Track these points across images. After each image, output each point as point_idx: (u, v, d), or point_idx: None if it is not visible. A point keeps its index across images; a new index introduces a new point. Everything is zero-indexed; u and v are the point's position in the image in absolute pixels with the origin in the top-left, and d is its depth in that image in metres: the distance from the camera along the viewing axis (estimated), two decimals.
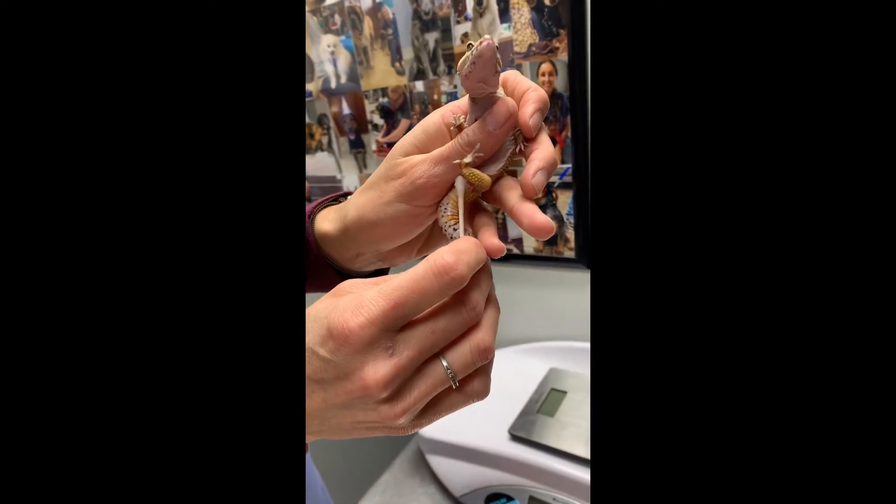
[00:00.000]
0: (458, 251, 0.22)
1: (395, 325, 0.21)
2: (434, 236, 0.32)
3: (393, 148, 0.27)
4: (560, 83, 0.64)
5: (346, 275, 0.34)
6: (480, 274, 0.24)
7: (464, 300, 0.23)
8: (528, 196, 0.25)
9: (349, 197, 0.31)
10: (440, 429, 0.65)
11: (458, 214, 0.26)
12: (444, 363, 0.23)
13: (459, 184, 0.25)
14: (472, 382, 0.24)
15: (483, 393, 0.24)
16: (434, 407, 0.24)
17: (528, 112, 0.25)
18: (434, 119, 0.27)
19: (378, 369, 0.21)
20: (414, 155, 0.27)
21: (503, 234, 0.77)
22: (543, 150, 0.25)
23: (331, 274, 0.33)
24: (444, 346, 0.23)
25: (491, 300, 0.25)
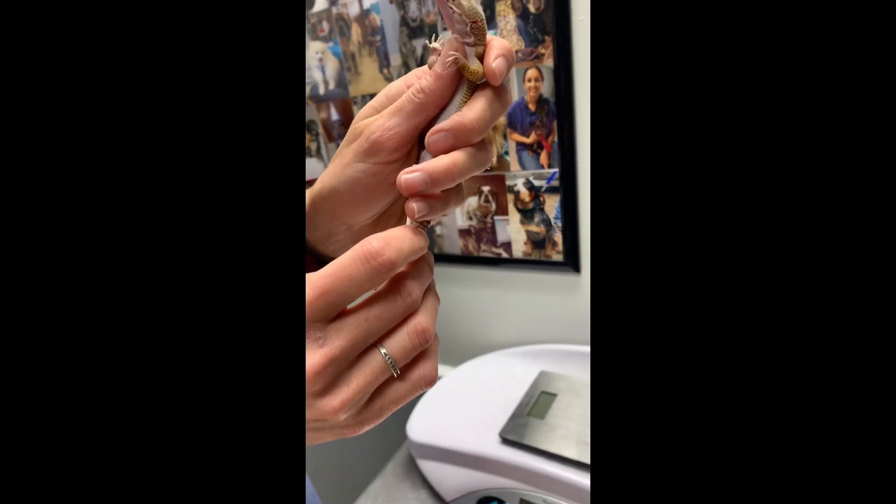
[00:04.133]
0: (388, 237, 0.21)
1: (324, 314, 0.21)
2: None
3: (356, 116, 0.27)
4: (546, 88, 0.65)
5: (323, 260, 0.32)
6: (419, 264, 0.23)
7: (399, 288, 0.22)
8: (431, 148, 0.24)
9: None
10: (430, 433, 0.65)
11: None
12: (383, 350, 0.22)
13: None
14: (415, 369, 0.23)
15: (430, 378, 0.23)
16: (378, 399, 0.23)
17: (492, 56, 0.23)
18: (398, 85, 0.26)
19: (307, 360, 0.20)
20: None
21: (492, 238, 0.78)
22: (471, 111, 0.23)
23: (307, 259, 0.32)
24: (381, 336, 0.22)
25: (430, 290, 0.24)
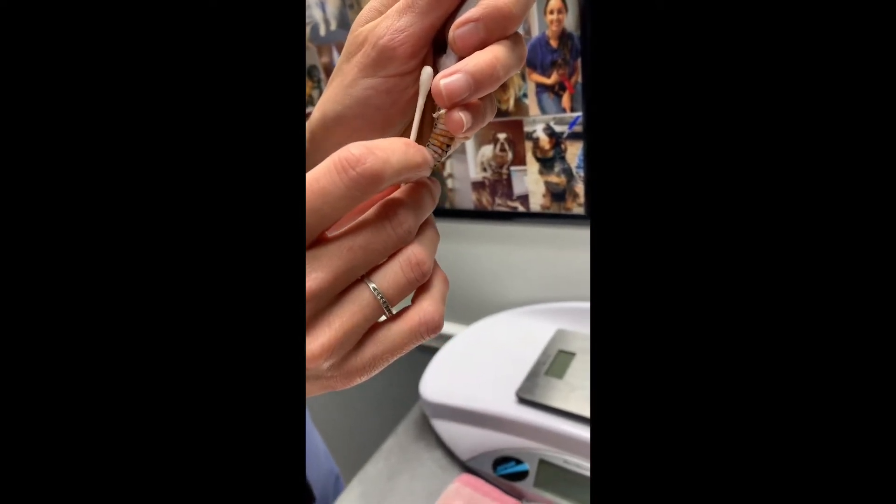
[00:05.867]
0: (373, 145, 0.17)
1: None
2: None
3: (354, 22, 0.22)
4: (570, 21, 0.59)
5: None
6: (418, 190, 0.20)
7: (388, 214, 0.19)
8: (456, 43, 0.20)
9: None
10: (444, 392, 0.63)
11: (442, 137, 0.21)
12: (371, 285, 0.19)
13: (425, 75, 0.20)
14: (414, 309, 0.20)
15: (431, 322, 0.20)
16: (369, 345, 0.19)
17: None
18: None
19: None
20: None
21: (507, 191, 0.73)
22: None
23: None
24: (368, 270, 0.19)
25: (428, 223, 0.21)
